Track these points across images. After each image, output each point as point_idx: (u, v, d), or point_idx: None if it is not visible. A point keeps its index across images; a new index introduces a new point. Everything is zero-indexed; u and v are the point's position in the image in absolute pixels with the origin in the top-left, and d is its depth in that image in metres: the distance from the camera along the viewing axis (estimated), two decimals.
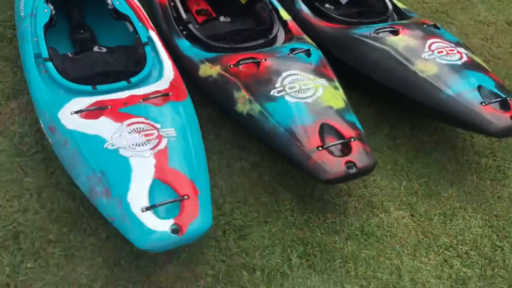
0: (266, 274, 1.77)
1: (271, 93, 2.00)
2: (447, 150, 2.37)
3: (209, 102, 2.34)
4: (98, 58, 2.40)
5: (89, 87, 1.99)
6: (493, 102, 2.04)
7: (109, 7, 2.51)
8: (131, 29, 2.65)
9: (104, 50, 2.45)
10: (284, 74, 2.07)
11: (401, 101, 2.37)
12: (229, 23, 2.76)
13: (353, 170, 1.79)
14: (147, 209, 1.59)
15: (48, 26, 2.29)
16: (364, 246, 1.90)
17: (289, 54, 2.21)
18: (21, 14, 2.38)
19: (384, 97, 2.47)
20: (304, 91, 2.01)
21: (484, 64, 2.28)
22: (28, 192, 1.95)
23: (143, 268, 1.75)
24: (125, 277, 1.73)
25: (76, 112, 1.87)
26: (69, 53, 2.40)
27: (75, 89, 1.99)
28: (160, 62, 2.23)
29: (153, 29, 2.42)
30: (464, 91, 2.08)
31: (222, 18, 2.79)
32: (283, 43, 2.43)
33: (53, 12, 2.33)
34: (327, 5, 2.89)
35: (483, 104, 2.03)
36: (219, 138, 2.29)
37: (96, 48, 2.45)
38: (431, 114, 2.29)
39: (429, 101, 2.12)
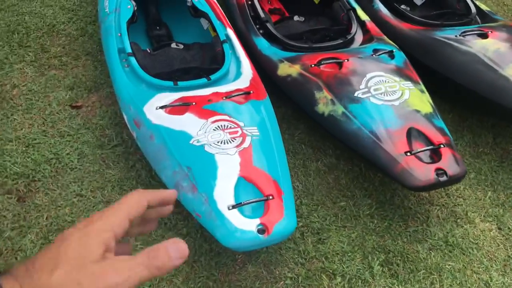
0: (347, 280, 1.73)
1: (356, 94, 1.95)
2: None
3: (284, 101, 2.32)
4: (176, 54, 2.43)
5: (170, 83, 2.02)
6: None
7: (188, 4, 2.53)
8: (205, 26, 2.69)
9: (181, 46, 2.48)
10: (368, 76, 2.02)
11: (486, 107, 2.25)
12: (303, 23, 2.72)
13: (444, 178, 1.71)
14: (233, 207, 1.59)
15: (131, 22, 2.34)
16: (449, 258, 1.82)
17: (372, 55, 2.15)
18: (105, 10, 2.44)
19: (466, 102, 2.36)
20: (390, 94, 1.95)
21: None
22: (110, 184, 1.99)
23: (223, 266, 1.75)
24: (205, 274, 1.73)
25: (161, 107, 1.90)
26: (148, 49, 2.44)
27: (158, 85, 2.02)
28: (238, 60, 2.23)
29: (230, 27, 2.43)
30: None
31: (296, 17, 2.76)
32: (361, 44, 2.37)
33: (135, 8, 2.38)
34: (403, 6, 2.80)
35: None
36: (293, 138, 2.26)
37: (173, 45, 2.48)
38: None
39: None
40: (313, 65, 2.11)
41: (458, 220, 1.95)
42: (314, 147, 2.22)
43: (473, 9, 2.57)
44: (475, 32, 2.28)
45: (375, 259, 1.79)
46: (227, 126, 1.81)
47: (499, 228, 1.93)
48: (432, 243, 1.86)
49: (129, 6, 2.39)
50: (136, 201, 0.56)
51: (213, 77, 2.08)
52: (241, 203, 1.59)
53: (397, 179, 1.76)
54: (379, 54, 2.15)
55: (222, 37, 2.31)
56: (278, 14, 3.01)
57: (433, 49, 2.31)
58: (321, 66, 2.10)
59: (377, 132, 1.83)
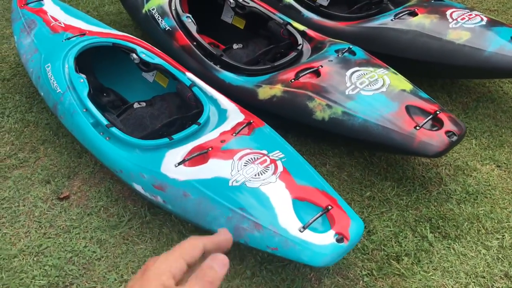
0: (413, 256, 1.84)
1: (347, 92, 2.09)
2: (489, 104, 2.57)
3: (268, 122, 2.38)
4: (143, 113, 2.38)
5: (165, 140, 1.98)
6: None
7: (135, 62, 2.48)
8: (151, 79, 2.67)
9: (144, 104, 2.43)
10: (348, 73, 2.18)
11: (437, 71, 2.55)
12: (244, 49, 2.82)
13: (455, 138, 1.92)
14: (304, 228, 1.61)
15: (89, 94, 2.23)
16: (478, 205, 2.02)
17: (337, 55, 2.31)
18: (57, 91, 2.30)
19: (418, 72, 2.64)
20: (374, 83, 2.12)
21: (500, 20, 2.53)
22: (147, 258, 1.88)
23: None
24: None
25: (180, 163, 1.85)
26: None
27: (155, 145, 1.97)
28: (213, 99, 2.25)
29: (187, 71, 2.43)
30: (501, 45, 2.30)
31: (235, 46, 2.84)
32: (311, 52, 2.53)
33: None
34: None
35: None
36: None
37: (136, 105, 2.41)
38: (475, 74, 2.49)
39: (473, 63, 2.32)
40: (293, 80, 2.21)
41: (465, 171, 2.18)
42: (314, 153, 2.32)
43: None
44: (405, 12, 2.57)
45: (423, 229, 1.93)
46: (255, 158, 1.83)
47: (498, 166, 2.20)
48: (457, 198, 2.06)
49: (81, 80, 2.28)
50: (190, 244, 0.58)
51: (201, 120, 2.08)
52: (308, 222, 1.62)
53: (417, 153, 1.93)
54: (343, 53, 2.32)
55: (188, 82, 2.30)
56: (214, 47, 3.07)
57: (378, 36, 2.56)
58: (301, 79, 2.21)
59: (383, 119, 1.98)
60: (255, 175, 1.76)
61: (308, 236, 1.59)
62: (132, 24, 3.35)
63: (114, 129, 2.04)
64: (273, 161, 1.83)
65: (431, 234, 1.91)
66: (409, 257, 1.84)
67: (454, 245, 1.87)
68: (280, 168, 1.80)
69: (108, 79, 2.71)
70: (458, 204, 2.03)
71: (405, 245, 1.88)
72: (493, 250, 1.85)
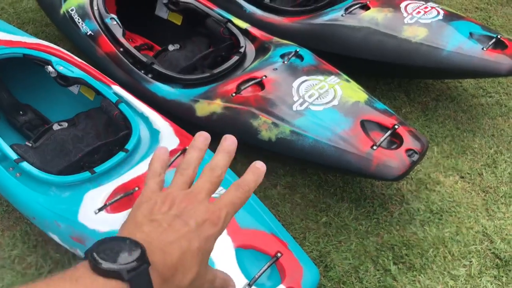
0: None
1: (294, 108, 1.84)
2: (448, 103, 2.39)
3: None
4: (65, 136, 2.05)
5: (86, 174, 1.67)
6: (491, 45, 2.07)
7: (52, 75, 2.12)
8: (75, 91, 2.32)
9: (65, 125, 2.10)
10: (295, 85, 1.92)
11: (394, 71, 2.34)
12: (181, 50, 2.50)
13: (416, 157, 1.71)
14: (250, 286, 1.37)
15: None
16: (442, 226, 1.85)
17: (283, 62, 2.04)
18: None
19: (373, 73, 2.42)
20: (325, 96, 1.87)
21: (457, 12, 2.32)
22: None
23: None
24: None
25: (101, 209, 1.56)
26: (27, 143, 2.01)
27: (72, 181, 1.67)
28: (144, 117, 1.95)
29: (115, 84, 2.10)
30: (460, 43, 2.09)
31: (171, 47, 2.51)
32: (256, 53, 2.26)
33: None
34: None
35: (484, 49, 2.06)
36: (239, 174, 2.07)
37: (56, 126, 2.08)
38: (434, 75, 2.29)
39: (431, 63, 2.11)
40: (234, 94, 1.93)
41: (428, 185, 1.99)
42: (264, 173, 2.06)
43: None
44: (356, 6, 2.32)
45: (385, 259, 1.74)
46: None
47: (462, 177, 2.03)
48: (421, 219, 1.87)
49: None
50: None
51: (129, 147, 1.78)
52: (254, 277, 1.38)
53: (374, 176, 1.71)
54: (289, 59, 2.06)
55: (114, 98, 1.98)
56: (148, 49, 2.73)
57: (329, 35, 2.30)
58: (243, 92, 1.94)
59: (335, 138, 1.75)
60: None
61: None
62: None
63: (24, 164, 1.71)
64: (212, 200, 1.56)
65: (394, 266, 1.72)
66: None
67: (420, 277, 1.68)
68: None
69: (26, 93, 2.35)
70: (422, 226, 1.85)
71: (367, 281, 1.68)
72: (461, 281, 1.67)
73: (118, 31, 2.30)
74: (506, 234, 1.81)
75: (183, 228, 0.50)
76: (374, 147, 1.71)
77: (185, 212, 0.52)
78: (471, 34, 2.13)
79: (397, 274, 1.69)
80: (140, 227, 0.51)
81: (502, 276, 1.69)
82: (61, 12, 2.46)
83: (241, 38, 2.29)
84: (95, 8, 2.37)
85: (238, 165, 2.10)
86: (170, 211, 0.52)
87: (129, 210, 1.48)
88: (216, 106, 1.94)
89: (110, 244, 0.47)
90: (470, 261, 1.73)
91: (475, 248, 1.77)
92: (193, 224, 0.51)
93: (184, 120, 2.00)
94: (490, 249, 1.77)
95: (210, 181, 0.56)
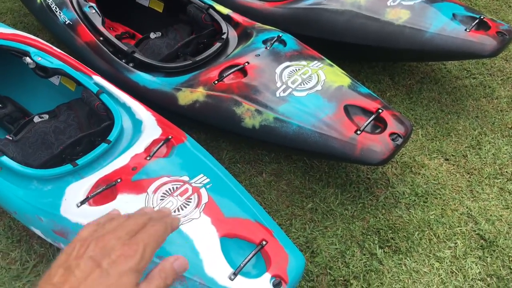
0: (362, 279, 1.65)
1: (277, 94, 1.82)
2: (433, 85, 2.38)
3: (190, 127, 2.08)
4: (46, 128, 2.02)
5: (68, 166, 1.64)
6: (474, 25, 2.06)
7: (30, 66, 2.07)
8: (56, 82, 2.27)
9: (47, 117, 2.06)
10: (277, 70, 1.89)
11: (377, 55, 2.32)
12: (163, 38, 2.46)
13: (400, 140, 1.70)
14: (235, 274, 1.37)
15: None
16: (428, 208, 1.85)
17: (266, 48, 2.01)
18: None
19: (356, 56, 2.40)
20: (308, 81, 1.86)
21: None
22: None
23: None
24: None
25: (83, 202, 1.54)
26: (7, 136, 1.97)
27: (54, 175, 1.64)
28: (126, 107, 1.92)
29: (95, 74, 2.06)
30: (444, 24, 2.07)
31: (152, 35, 2.47)
32: (238, 39, 2.23)
33: None
34: None
35: (467, 30, 2.04)
36: (224, 162, 2.06)
37: (36, 118, 2.04)
38: (418, 57, 2.28)
39: (415, 46, 2.09)
40: (216, 82, 1.91)
41: (412, 168, 1.99)
42: (249, 161, 2.06)
43: None
44: None
45: (371, 243, 1.74)
46: (174, 188, 1.54)
47: (446, 159, 2.03)
48: (406, 202, 1.88)
49: None
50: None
51: (112, 137, 1.75)
52: (240, 265, 1.38)
53: (359, 161, 1.71)
54: (272, 44, 2.03)
55: (94, 89, 1.95)
56: (130, 38, 2.68)
57: (310, 19, 2.27)
58: (225, 79, 1.91)
59: (319, 124, 1.73)
60: (174, 212, 1.48)
61: (240, 284, 1.35)
62: None
63: (4, 158, 1.68)
64: (195, 190, 1.55)
65: (380, 249, 1.72)
66: (358, 280, 1.65)
67: (406, 260, 1.69)
68: (205, 199, 1.53)
69: (5, 85, 2.30)
70: (408, 209, 1.85)
71: (353, 266, 1.68)
72: (446, 262, 1.68)
73: (97, 20, 2.25)
74: (491, 215, 1.82)
75: (94, 271, 0.50)
76: (358, 132, 1.70)
77: (101, 252, 0.52)
78: (454, 15, 2.11)
79: (383, 258, 1.70)
80: (51, 279, 0.51)
81: (487, 257, 1.70)
82: (38, 1, 2.40)
83: (223, 24, 2.26)
84: None
85: (224, 152, 2.10)
86: (86, 253, 0.52)
87: (111, 203, 1.46)
88: (199, 94, 1.91)
89: None
90: (455, 243, 1.74)
91: (460, 229, 1.78)
92: (105, 263, 0.51)
93: (167, 109, 1.98)
94: (474, 230, 1.78)
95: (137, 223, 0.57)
